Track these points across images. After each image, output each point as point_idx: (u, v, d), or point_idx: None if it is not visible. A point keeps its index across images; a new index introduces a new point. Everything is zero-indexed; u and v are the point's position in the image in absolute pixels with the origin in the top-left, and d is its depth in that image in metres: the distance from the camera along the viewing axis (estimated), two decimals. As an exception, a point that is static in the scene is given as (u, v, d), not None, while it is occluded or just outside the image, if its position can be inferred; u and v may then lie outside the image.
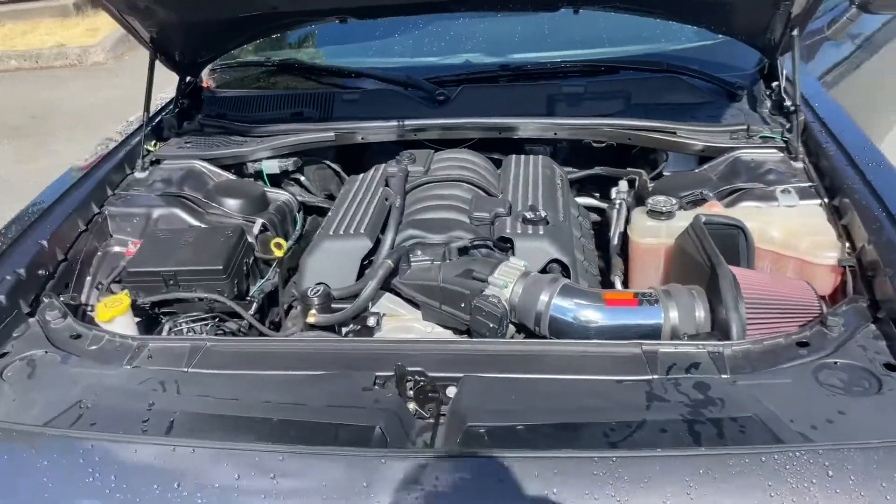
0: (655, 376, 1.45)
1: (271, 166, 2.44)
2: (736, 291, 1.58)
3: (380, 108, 2.46)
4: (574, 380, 1.48)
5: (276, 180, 2.50)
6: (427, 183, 2.19)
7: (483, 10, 2.41)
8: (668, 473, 1.18)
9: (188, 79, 2.66)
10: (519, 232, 1.90)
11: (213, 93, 2.78)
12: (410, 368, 1.49)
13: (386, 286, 1.87)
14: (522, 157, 2.38)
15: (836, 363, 1.46)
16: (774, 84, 2.45)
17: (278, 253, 2.05)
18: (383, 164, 2.35)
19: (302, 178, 2.54)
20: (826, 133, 2.15)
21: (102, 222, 2.16)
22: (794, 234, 1.82)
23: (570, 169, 2.50)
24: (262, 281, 2.09)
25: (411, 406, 1.45)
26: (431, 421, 1.42)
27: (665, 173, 2.35)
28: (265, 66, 2.80)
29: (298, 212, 2.41)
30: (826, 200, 1.95)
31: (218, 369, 1.58)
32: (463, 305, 1.77)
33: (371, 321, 1.81)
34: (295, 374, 1.54)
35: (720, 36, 2.75)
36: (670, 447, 1.25)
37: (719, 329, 1.61)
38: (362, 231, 1.96)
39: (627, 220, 2.16)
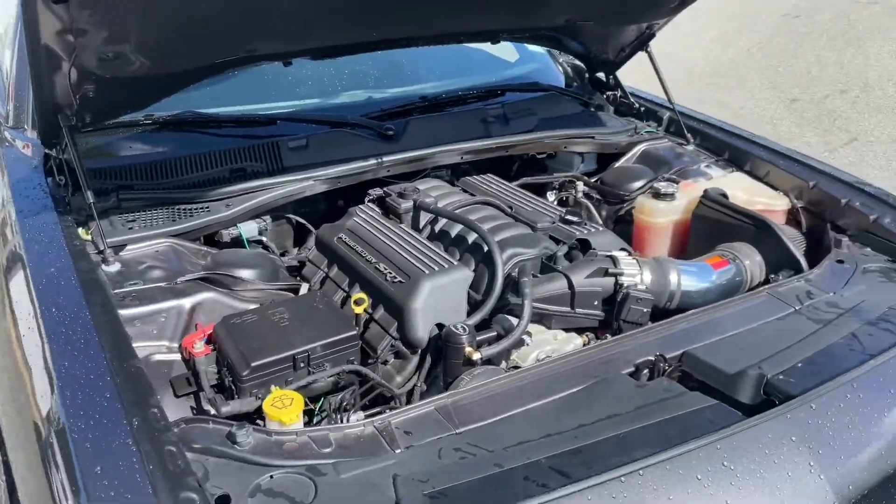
0: (797, 306, 1.84)
1: (250, 229, 2.13)
2: (787, 236, 2.06)
3: (335, 151, 2.33)
4: (750, 329, 1.78)
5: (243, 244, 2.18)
6: (463, 206, 2.20)
7: (436, 44, 2.46)
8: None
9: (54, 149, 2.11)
10: (586, 233, 2.09)
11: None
12: (659, 354, 1.62)
13: (498, 308, 1.89)
14: (476, 177, 2.51)
15: (865, 268, 2.03)
16: (610, 93, 3.03)
17: (358, 310, 1.85)
18: (359, 206, 2.26)
19: (265, 240, 2.25)
20: (694, 121, 2.79)
21: (118, 331, 1.67)
22: (752, 193, 2.38)
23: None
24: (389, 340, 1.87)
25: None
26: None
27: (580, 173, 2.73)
28: (142, 125, 2.35)
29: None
30: (734, 168, 2.56)
31: (486, 420, 1.47)
32: (596, 303, 1.91)
33: (528, 340, 1.82)
34: (556, 398, 1.53)
35: (514, 62, 3.27)
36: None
37: (777, 267, 2.07)
38: (454, 262, 1.92)
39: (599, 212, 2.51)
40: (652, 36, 2.69)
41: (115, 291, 1.74)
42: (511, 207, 2.28)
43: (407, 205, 2.17)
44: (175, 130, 2.35)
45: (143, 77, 1.87)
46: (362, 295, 1.86)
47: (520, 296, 1.80)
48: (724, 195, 2.29)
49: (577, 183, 2.62)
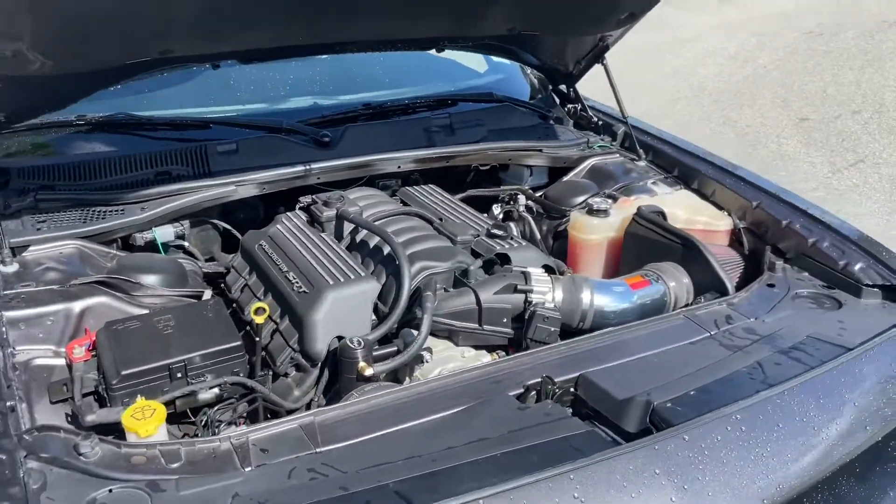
0: (713, 332, 1.76)
1: (166, 233, 2.09)
2: (716, 258, 1.98)
3: (266, 157, 2.29)
4: (659, 352, 1.70)
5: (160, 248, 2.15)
6: (385, 217, 2.15)
7: (371, 51, 2.42)
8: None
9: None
10: (507, 247, 2.02)
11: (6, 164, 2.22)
12: (546, 376, 1.55)
13: (405, 321, 1.83)
14: (416, 187, 2.46)
15: (797, 293, 1.94)
16: (570, 106, 2.96)
17: (259, 319, 1.80)
18: (288, 213, 2.21)
19: (186, 245, 2.22)
20: (647, 136, 2.71)
21: (-4, 333, 1.64)
22: (693, 212, 2.29)
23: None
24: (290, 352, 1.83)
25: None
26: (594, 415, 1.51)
27: (527, 187, 2.67)
28: (74, 126, 2.34)
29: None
30: (682, 186, 2.48)
31: (351, 439, 1.41)
32: (505, 321, 1.84)
33: (427, 356, 1.76)
34: (434, 419, 1.47)
35: (483, 72, 3.22)
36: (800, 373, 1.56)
37: (705, 288, 1.99)
38: (362, 274, 1.87)
39: (540, 228, 2.45)
40: (606, 48, 2.62)
41: (4, 293, 1.72)
42: (441, 219, 2.22)
43: (329, 213, 2.12)
44: (108, 132, 2.33)
45: (51, 77, 1.85)
46: (263, 304, 1.81)
47: (421, 310, 1.75)
48: (661, 213, 2.22)
49: (520, 196, 2.55)
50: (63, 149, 2.28)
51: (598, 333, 1.77)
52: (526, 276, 1.86)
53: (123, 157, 2.21)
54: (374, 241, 2.06)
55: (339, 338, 1.76)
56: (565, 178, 2.62)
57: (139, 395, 1.54)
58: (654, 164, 2.63)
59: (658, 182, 2.48)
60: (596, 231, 2.22)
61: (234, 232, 2.26)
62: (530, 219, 2.50)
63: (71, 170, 2.18)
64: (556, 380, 1.56)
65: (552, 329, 1.79)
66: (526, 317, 1.81)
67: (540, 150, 2.60)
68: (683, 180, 2.50)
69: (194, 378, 1.63)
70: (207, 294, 1.89)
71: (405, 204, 2.33)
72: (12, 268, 1.82)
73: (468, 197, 2.62)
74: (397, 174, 2.50)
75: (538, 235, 2.45)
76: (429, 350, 1.78)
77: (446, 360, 1.82)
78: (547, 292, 1.84)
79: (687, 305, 1.97)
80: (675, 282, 1.98)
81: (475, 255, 2.02)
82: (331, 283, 1.83)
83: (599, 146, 2.72)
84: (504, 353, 1.87)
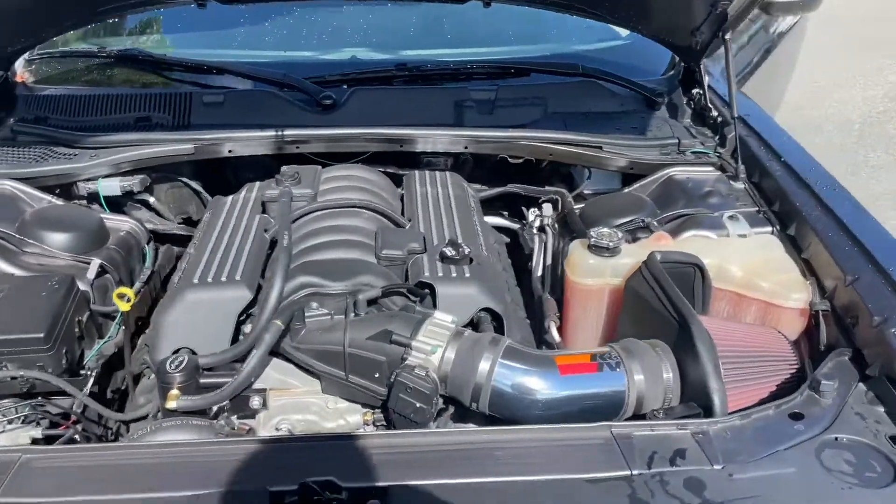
0: (636, 472, 1.14)
1: (111, 187, 1.92)
2: (716, 358, 1.30)
3: (251, 114, 2.01)
4: (534, 482, 1.14)
5: (118, 203, 1.98)
6: (318, 210, 1.77)
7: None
8: None
9: (-6, 73, 2.08)
10: (440, 275, 1.54)
11: (31, 90, 2.20)
12: (317, 479, 1.09)
13: (274, 350, 1.45)
14: (427, 173, 2.01)
15: (836, 439, 1.21)
16: (695, 91, 2.23)
17: (123, 307, 1.56)
18: (258, 183, 1.92)
19: (151, 200, 2.04)
20: (766, 149, 1.94)
21: None
22: (756, 272, 1.57)
23: (478, 186, 2.16)
24: (101, 343, 1.60)
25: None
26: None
27: (585, 192, 2.07)
28: (99, 58, 2.25)
29: (148, 243, 1.91)
30: (778, 228, 1.72)
31: (42, 497, 1.11)
32: (377, 376, 1.38)
33: (255, 402, 1.39)
34: (156, 499, 1.10)
35: (626, 36, 2.55)
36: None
37: (693, 396, 1.33)
38: (238, 277, 1.52)
39: (557, 250, 1.87)
40: (724, 18, 1.88)
41: None
42: (410, 221, 1.78)
43: (272, 193, 1.78)
44: (121, 66, 2.21)
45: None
46: (127, 290, 1.56)
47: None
48: (697, 266, 1.53)
49: (545, 206, 1.98)
50: (72, 81, 2.20)
51: (469, 431, 1.26)
52: (416, 323, 1.37)
53: (112, 97, 2.07)
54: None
55: (192, 351, 1.45)
56: (629, 189, 1.98)
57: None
58: (757, 188, 1.87)
59: (740, 217, 1.75)
60: (592, 274, 1.60)
61: (202, 192, 2.03)
62: (549, 236, 1.92)
63: (65, 103, 2.08)
64: (343, 485, 1.10)
65: (418, 405, 1.30)
66: (391, 379, 1.34)
67: (599, 148, 1.97)
68: (780, 220, 1.74)
69: (-4, 364, 1.42)
70: (93, 265, 1.67)
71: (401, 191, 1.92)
72: (-73, 200, 1.77)
73: (506, 193, 2.12)
74: (450, 154, 2.08)
75: (548, 258, 1.88)
76: (260, 394, 1.40)
77: (298, 409, 1.42)
78: (431, 351, 1.34)
79: (655, 413, 1.34)
80: (645, 374, 1.34)
81: (407, 278, 1.57)
82: (195, 281, 1.51)
83: (694, 151, 2.01)
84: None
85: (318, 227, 1.70)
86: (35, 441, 1.40)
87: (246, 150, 1.94)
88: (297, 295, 1.49)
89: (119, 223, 1.88)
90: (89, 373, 1.53)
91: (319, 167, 1.95)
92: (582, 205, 1.95)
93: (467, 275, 1.54)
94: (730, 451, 1.18)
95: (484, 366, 1.32)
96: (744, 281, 1.56)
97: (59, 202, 1.86)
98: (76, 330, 1.53)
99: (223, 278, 1.52)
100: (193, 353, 1.44)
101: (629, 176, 2.04)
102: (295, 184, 1.82)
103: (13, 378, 1.41)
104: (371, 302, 1.49)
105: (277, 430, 1.38)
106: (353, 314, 1.43)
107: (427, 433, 1.27)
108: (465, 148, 1.98)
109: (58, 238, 1.72)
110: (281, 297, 1.45)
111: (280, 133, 1.92)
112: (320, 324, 1.44)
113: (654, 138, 2.03)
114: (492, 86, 2.13)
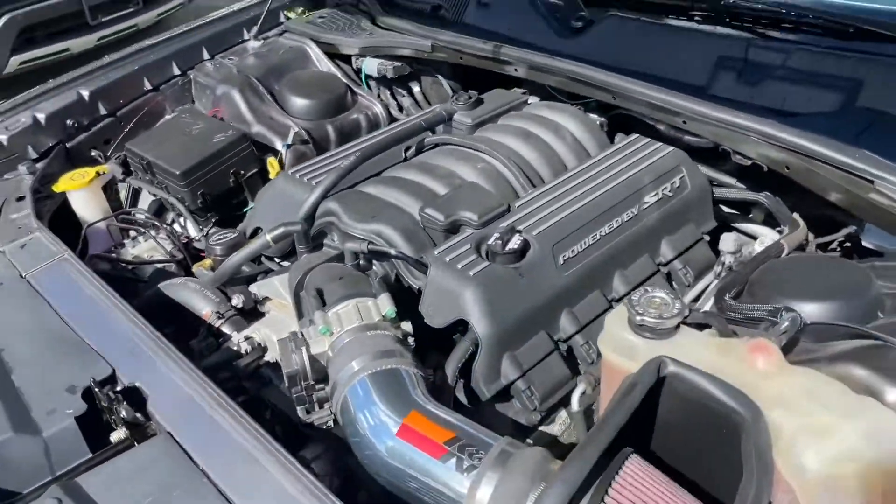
0: None
1: (371, 67, 2.01)
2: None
3: (504, 21, 1.81)
4: None
5: (389, 85, 2.08)
6: (443, 143, 1.57)
7: None
8: None
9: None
10: (449, 259, 1.25)
11: None
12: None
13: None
14: (648, 143, 1.54)
15: None
16: None
17: (271, 173, 1.71)
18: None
19: (416, 90, 2.06)
20: None
21: (184, 85, 2.06)
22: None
23: (712, 175, 1.57)
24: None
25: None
26: None
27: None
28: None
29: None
30: None
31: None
32: (312, 326, 1.27)
33: (236, 300, 1.43)
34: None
35: None
36: None
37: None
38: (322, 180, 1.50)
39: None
40: None
41: (216, 58, 2.09)
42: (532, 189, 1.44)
43: (449, 109, 1.64)
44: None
45: None
46: (273, 160, 1.70)
47: None
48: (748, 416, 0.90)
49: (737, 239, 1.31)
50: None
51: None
52: (343, 297, 1.18)
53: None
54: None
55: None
56: (881, 263, 1.18)
57: None
58: None
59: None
60: (627, 353, 1.07)
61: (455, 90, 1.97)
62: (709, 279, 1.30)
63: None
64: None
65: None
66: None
67: (869, 182, 1.20)
68: None
69: (160, 186, 1.76)
70: (292, 132, 1.82)
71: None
72: (256, 43, 2.16)
73: (749, 202, 1.52)
74: None
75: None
76: (243, 296, 1.42)
77: (274, 324, 1.41)
78: (326, 332, 1.15)
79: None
80: (494, 496, 0.91)
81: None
82: (290, 171, 1.56)
83: None
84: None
85: (420, 162, 1.51)
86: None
87: (473, 61, 1.79)
88: (322, 220, 1.41)
89: (369, 103, 2.00)
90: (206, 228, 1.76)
91: (523, 96, 1.69)
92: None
93: (472, 272, 1.22)
94: None
95: (349, 369, 1.09)
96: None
97: (332, 69, 2.05)
98: (229, 181, 1.74)
99: (315, 175, 1.52)
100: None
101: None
102: (466, 108, 1.63)
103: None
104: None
105: (247, 337, 1.39)
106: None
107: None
108: (684, 123, 1.43)
109: (296, 101, 1.94)
110: (311, 211, 1.40)
111: (497, 51, 1.69)
112: (310, 256, 1.36)
113: None
114: (808, 45, 1.44)
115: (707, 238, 1.50)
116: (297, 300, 1.29)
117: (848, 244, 1.39)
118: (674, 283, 1.44)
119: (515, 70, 1.71)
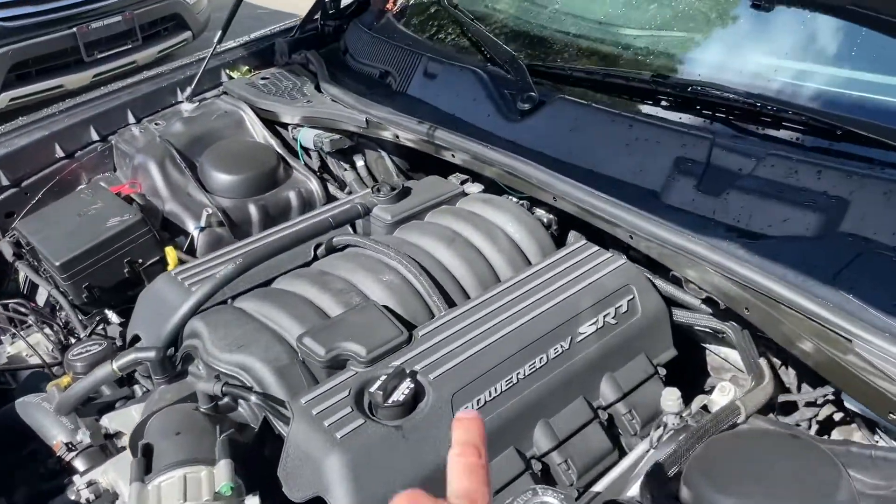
0: None
1: (307, 138, 1.80)
2: None
3: (449, 96, 1.58)
4: None
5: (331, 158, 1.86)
6: (353, 245, 1.34)
7: None
8: None
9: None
10: (316, 412, 1.01)
11: (392, 20, 2.07)
12: None
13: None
14: (596, 252, 1.29)
15: None
16: None
17: (170, 264, 1.49)
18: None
19: (360, 164, 1.84)
20: None
21: (103, 152, 1.86)
22: None
23: (674, 293, 1.31)
24: None
25: None
26: None
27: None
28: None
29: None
30: None
31: None
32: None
33: (80, 435, 1.20)
34: None
35: None
36: None
37: None
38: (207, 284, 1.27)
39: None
40: None
41: (143, 122, 1.89)
42: (447, 310, 1.19)
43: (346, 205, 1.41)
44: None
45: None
46: (171, 249, 1.48)
47: None
48: None
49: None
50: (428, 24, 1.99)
51: None
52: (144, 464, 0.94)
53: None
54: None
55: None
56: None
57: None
58: None
59: None
60: None
61: (402, 169, 1.74)
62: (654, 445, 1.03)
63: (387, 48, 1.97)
64: None
65: None
66: None
67: (847, 342, 0.94)
68: None
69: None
70: (205, 214, 1.61)
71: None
72: (189, 106, 1.95)
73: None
74: None
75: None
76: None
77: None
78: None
79: None
80: None
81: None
82: (175, 271, 1.34)
83: None
84: None
85: (316, 271, 1.28)
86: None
87: (409, 142, 1.56)
88: (189, 342, 1.18)
89: (304, 178, 1.79)
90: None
91: (459, 187, 1.45)
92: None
93: (339, 434, 0.97)
94: None
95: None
96: None
97: (269, 140, 1.84)
98: (122, 272, 1.53)
99: (204, 277, 1.29)
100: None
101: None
102: (388, 201, 1.40)
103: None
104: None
105: (90, 483, 1.14)
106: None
107: None
108: (630, 238, 1.18)
109: (218, 177, 1.73)
110: (174, 333, 1.17)
111: (431, 133, 1.46)
112: (164, 391, 1.13)
113: None
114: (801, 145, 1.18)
115: (663, 372, 1.24)
116: (134, 451, 1.06)
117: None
118: (618, 429, 1.18)
119: (453, 156, 1.47)
